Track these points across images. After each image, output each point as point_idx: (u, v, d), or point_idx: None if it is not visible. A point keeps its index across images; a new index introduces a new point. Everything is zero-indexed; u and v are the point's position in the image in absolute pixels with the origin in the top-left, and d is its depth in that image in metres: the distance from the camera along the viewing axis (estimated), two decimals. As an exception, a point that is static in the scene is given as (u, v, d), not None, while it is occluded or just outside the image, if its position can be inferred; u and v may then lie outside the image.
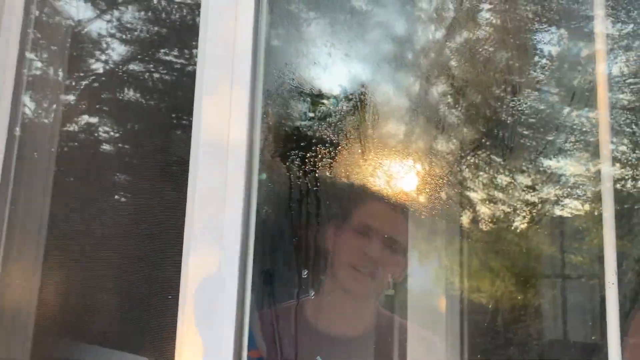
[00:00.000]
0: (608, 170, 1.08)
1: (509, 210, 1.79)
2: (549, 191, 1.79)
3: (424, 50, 1.49)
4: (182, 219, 0.93)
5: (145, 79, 1.58)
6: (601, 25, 1.18)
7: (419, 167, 1.38)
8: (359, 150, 1.22)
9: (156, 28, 1.66)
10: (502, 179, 1.74)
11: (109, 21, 1.59)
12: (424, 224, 1.50)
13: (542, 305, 1.95)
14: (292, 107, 1.23)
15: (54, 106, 1.41)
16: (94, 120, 1.48)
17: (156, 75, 1.58)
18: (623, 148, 1.56)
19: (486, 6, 1.59)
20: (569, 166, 1.75)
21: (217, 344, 0.86)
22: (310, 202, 1.20)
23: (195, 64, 0.98)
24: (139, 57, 1.64)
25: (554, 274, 1.97)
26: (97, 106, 1.51)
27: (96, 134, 1.47)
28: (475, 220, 1.80)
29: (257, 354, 1.25)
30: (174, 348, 0.88)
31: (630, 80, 1.50)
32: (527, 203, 1.79)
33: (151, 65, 1.61)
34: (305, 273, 1.23)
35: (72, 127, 1.44)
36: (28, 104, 1.31)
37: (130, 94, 1.51)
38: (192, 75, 0.98)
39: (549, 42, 1.60)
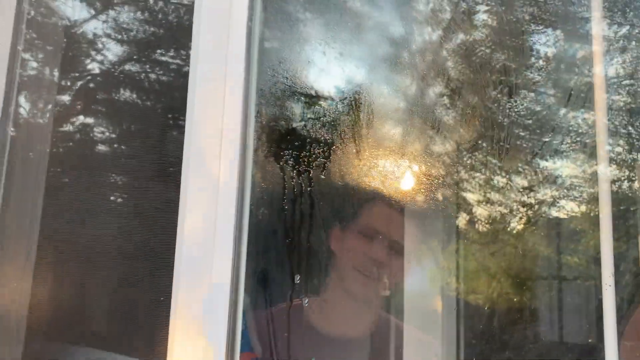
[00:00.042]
0: (605, 171, 1.08)
1: (505, 211, 1.79)
2: (546, 192, 1.79)
3: (419, 51, 1.49)
4: (175, 219, 0.92)
5: (141, 79, 1.57)
6: (598, 27, 1.18)
7: (415, 168, 1.38)
8: (354, 151, 1.22)
9: (152, 28, 1.65)
10: (499, 180, 1.74)
11: (104, 21, 1.58)
12: (420, 225, 1.50)
13: (538, 307, 1.95)
14: (286, 107, 1.22)
15: (49, 106, 1.41)
16: (87, 120, 1.48)
17: (152, 75, 1.58)
18: (619, 149, 1.56)
19: (483, 7, 1.59)
20: (565, 167, 1.75)
21: (209, 345, 0.86)
22: (304, 202, 1.20)
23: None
24: (134, 57, 1.63)
25: (550, 275, 1.97)
26: (91, 106, 1.51)
27: (90, 134, 1.46)
28: (471, 222, 1.79)
29: (252, 356, 1.24)
30: (166, 350, 0.87)
31: (626, 81, 1.50)
32: (524, 204, 1.79)
33: (147, 66, 1.61)
34: (298, 278, 1.23)
35: (66, 127, 1.44)
36: (22, 104, 1.30)
37: (124, 94, 1.50)
38: (188, 75, 0.97)
39: (545, 43, 1.60)
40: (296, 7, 1.29)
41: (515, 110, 1.58)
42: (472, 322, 1.73)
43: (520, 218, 1.80)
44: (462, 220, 1.77)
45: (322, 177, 1.18)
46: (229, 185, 0.89)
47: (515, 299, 1.90)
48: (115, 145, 1.46)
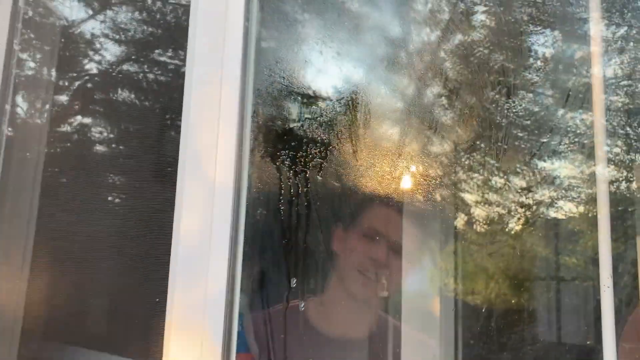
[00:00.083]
0: (603, 172, 1.07)
1: (503, 212, 1.79)
2: (544, 193, 1.79)
3: (417, 51, 1.48)
4: (171, 221, 0.92)
5: (139, 79, 1.57)
6: (596, 28, 1.18)
7: (413, 169, 1.38)
8: (351, 151, 1.21)
9: (149, 29, 1.65)
10: (497, 181, 1.74)
11: (102, 21, 1.58)
12: (419, 226, 1.50)
13: (536, 307, 1.95)
14: (283, 107, 1.22)
15: (45, 106, 1.41)
16: (84, 120, 1.47)
17: (149, 75, 1.58)
18: (617, 150, 1.56)
19: (481, 8, 1.59)
20: (563, 168, 1.75)
21: (205, 346, 0.85)
22: (301, 203, 1.19)
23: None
24: (132, 57, 1.63)
25: (548, 276, 1.97)
26: (88, 106, 1.50)
27: (87, 134, 1.46)
28: (469, 222, 1.79)
29: (249, 357, 1.24)
30: (162, 350, 0.87)
31: (624, 82, 1.50)
32: (522, 205, 1.78)
33: (145, 66, 1.60)
34: (294, 282, 1.23)
35: (63, 127, 1.43)
36: (18, 103, 1.30)
37: (121, 94, 1.50)
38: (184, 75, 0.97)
39: (543, 44, 1.60)
40: (293, 6, 1.28)
41: (514, 110, 1.58)
42: (470, 322, 1.72)
43: (519, 219, 1.80)
44: (460, 221, 1.77)
45: (319, 177, 1.18)
46: (225, 185, 0.89)
47: (513, 300, 1.90)
48: (113, 146, 1.45)
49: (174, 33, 1.56)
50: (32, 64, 1.44)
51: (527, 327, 1.87)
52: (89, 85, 1.52)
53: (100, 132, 1.47)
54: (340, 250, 1.33)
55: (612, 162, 1.55)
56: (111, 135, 1.45)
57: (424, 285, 1.58)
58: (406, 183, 1.39)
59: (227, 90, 0.91)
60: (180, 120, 0.96)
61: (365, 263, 1.32)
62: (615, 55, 1.47)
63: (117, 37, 1.57)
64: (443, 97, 1.51)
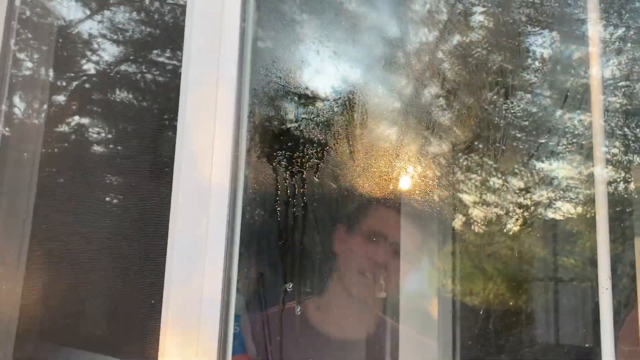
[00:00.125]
0: (601, 173, 1.07)
1: (501, 212, 1.79)
2: (542, 194, 1.79)
3: (415, 52, 1.48)
4: (167, 221, 0.92)
5: (136, 79, 1.57)
6: (594, 29, 1.18)
7: (411, 169, 1.38)
8: (348, 151, 1.21)
9: (147, 29, 1.65)
10: (495, 181, 1.74)
11: (99, 21, 1.58)
12: (417, 227, 1.50)
13: (534, 308, 1.95)
14: (279, 107, 1.22)
15: (42, 106, 1.40)
16: (80, 120, 1.47)
17: (147, 76, 1.58)
18: (614, 151, 1.56)
19: (479, 9, 1.59)
20: (561, 169, 1.75)
21: (201, 347, 0.85)
22: (298, 203, 1.19)
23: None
24: (130, 58, 1.63)
25: (546, 277, 1.97)
26: (85, 106, 1.50)
27: (84, 135, 1.45)
28: (467, 223, 1.79)
29: (247, 358, 1.24)
30: (157, 351, 0.87)
31: (622, 83, 1.50)
32: (520, 205, 1.78)
33: (143, 66, 1.60)
34: (291, 286, 1.22)
35: (59, 127, 1.43)
36: (14, 103, 1.29)
37: (119, 94, 1.50)
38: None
39: (541, 44, 1.60)
40: (290, 6, 1.28)
41: (512, 111, 1.58)
42: (469, 323, 1.72)
43: (517, 219, 1.80)
44: (458, 221, 1.77)
45: (316, 179, 1.17)
46: (221, 186, 0.89)
47: (511, 300, 1.90)
48: (109, 146, 1.45)
49: (172, 33, 1.55)
50: (29, 64, 1.43)
51: (525, 328, 1.87)
52: (86, 85, 1.52)
53: (97, 133, 1.47)
54: (340, 251, 1.33)
55: (610, 163, 1.55)
56: (108, 136, 1.45)
57: (422, 286, 1.58)
58: (404, 184, 1.38)
59: (223, 90, 0.91)
60: (177, 121, 0.96)
61: (363, 264, 1.32)
62: (613, 56, 1.47)
63: (115, 37, 1.57)
64: (441, 98, 1.51)
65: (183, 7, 1.01)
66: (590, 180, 1.67)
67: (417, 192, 1.38)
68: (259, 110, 1.11)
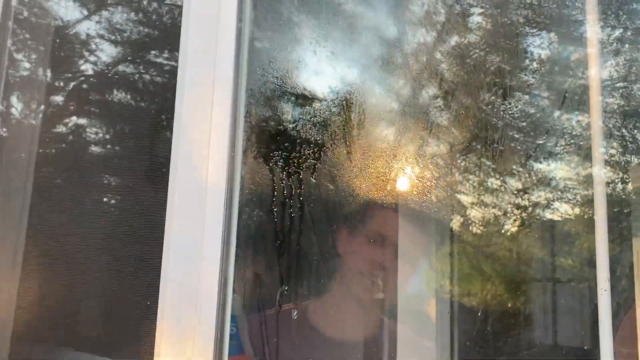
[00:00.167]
0: (600, 173, 1.07)
1: (499, 213, 1.79)
2: (540, 194, 1.79)
3: (413, 52, 1.48)
4: (163, 222, 0.91)
5: (135, 80, 1.57)
6: (593, 30, 1.18)
7: (409, 170, 1.37)
8: (346, 152, 1.21)
9: (145, 29, 1.65)
10: (493, 182, 1.74)
11: (97, 22, 1.58)
12: (414, 227, 1.49)
13: (532, 309, 1.95)
14: (276, 107, 1.21)
15: (38, 106, 1.40)
16: (77, 120, 1.47)
17: (145, 76, 1.57)
18: (612, 151, 1.56)
19: (477, 10, 1.59)
20: (559, 170, 1.75)
21: (197, 349, 0.85)
22: (294, 204, 1.19)
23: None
24: (128, 58, 1.62)
25: (544, 278, 1.97)
26: (82, 107, 1.50)
27: (81, 135, 1.45)
28: (465, 224, 1.79)
29: (244, 359, 1.24)
30: (153, 353, 0.86)
31: (620, 84, 1.50)
32: (518, 206, 1.78)
33: (141, 67, 1.60)
34: (286, 289, 1.22)
35: (55, 128, 1.43)
36: (11, 103, 1.29)
37: (115, 95, 1.50)
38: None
39: (539, 45, 1.60)
40: (287, 6, 1.28)
41: (510, 112, 1.58)
42: (467, 324, 1.72)
43: (515, 220, 1.80)
44: (456, 222, 1.77)
45: (313, 179, 1.17)
46: (217, 186, 0.88)
47: (508, 301, 1.90)
48: (107, 147, 1.45)
49: (169, 34, 1.55)
50: (26, 64, 1.43)
51: (523, 329, 1.87)
52: (83, 85, 1.52)
53: (94, 133, 1.46)
54: (337, 252, 1.33)
55: (608, 164, 1.55)
56: (104, 136, 1.44)
57: (420, 287, 1.58)
58: (402, 185, 1.38)
59: (220, 90, 0.91)
60: (174, 121, 0.96)
61: (361, 265, 1.32)
62: (611, 57, 1.47)
63: (112, 37, 1.56)
64: (439, 98, 1.51)
65: (181, 8, 1.00)
66: (587, 181, 1.67)
67: (415, 193, 1.38)
68: (256, 111, 1.11)
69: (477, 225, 1.79)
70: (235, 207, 0.90)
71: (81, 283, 1.16)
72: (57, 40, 1.48)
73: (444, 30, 1.53)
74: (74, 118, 1.46)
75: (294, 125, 1.24)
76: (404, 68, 1.42)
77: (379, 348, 1.37)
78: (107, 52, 1.56)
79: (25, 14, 1.45)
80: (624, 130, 1.55)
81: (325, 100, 1.29)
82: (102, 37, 1.55)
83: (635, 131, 1.56)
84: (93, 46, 1.53)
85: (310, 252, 1.29)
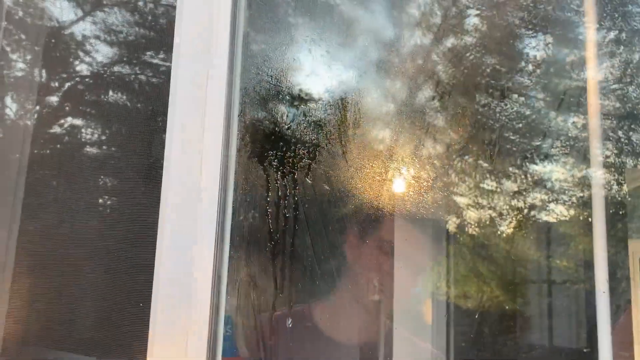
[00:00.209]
0: (598, 175, 1.07)
1: (495, 215, 1.78)
2: (536, 196, 1.79)
3: (409, 53, 1.48)
4: (156, 222, 0.91)
5: (129, 80, 1.56)
6: (591, 32, 1.18)
7: (405, 172, 1.37)
8: (341, 152, 1.21)
9: (141, 30, 1.64)
10: (489, 184, 1.73)
11: (92, 22, 1.57)
12: (411, 229, 1.49)
13: (528, 310, 1.95)
14: (270, 106, 1.21)
15: (30, 107, 1.39)
16: (70, 121, 1.46)
17: (141, 77, 1.57)
18: (607, 153, 1.56)
19: (473, 12, 1.59)
20: (555, 171, 1.75)
21: (190, 350, 0.84)
22: (289, 205, 1.18)
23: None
24: (124, 59, 1.62)
25: (540, 279, 1.97)
26: (76, 107, 1.49)
27: (75, 136, 1.45)
28: (461, 225, 1.79)
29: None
30: (146, 353, 0.86)
31: (616, 86, 1.50)
32: (514, 208, 1.78)
33: (137, 68, 1.59)
34: (285, 285, 1.21)
35: (47, 129, 1.42)
36: (4, 104, 1.28)
37: (110, 95, 1.49)
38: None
39: (535, 47, 1.60)
40: (283, 5, 1.27)
41: (506, 114, 1.58)
42: (463, 326, 1.72)
43: (511, 222, 1.80)
44: (452, 224, 1.76)
45: (308, 180, 1.17)
46: (211, 186, 0.88)
47: (504, 302, 1.89)
48: (101, 147, 1.44)
49: (165, 35, 1.55)
50: (20, 65, 1.43)
51: (519, 330, 1.87)
52: (78, 86, 1.51)
53: (87, 134, 1.46)
54: (333, 253, 1.33)
55: (604, 166, 1.55)
56: (98, 137, 1.44)
57: (417, 289, 1.58)
58: (398, 186, 1.38)
59: (213, 90, 0.90)
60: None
61: (357, 267, 1.32)
62: (607, 59, 1.47)
63: (107, 38, 1.56)
64: (435, 100, 1.51)
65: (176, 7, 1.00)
66: (583, 182, 1.67)
67: (411, 194, 1.38)
68: (250, 110, 1.11)
69: (473, 226, 1.79)
70: (229, 207, 0.89)
71: (74, 284, 1.15)
72: (52, 41, 1.47)
73: (440, 32, 1.53)
74: (68, 119, 1.46)
75: (288, 125, 1.24)
76: (400, 69, 1.42)
77: (375, 350, 1.36)
78: (102, 52, 1.56)
79: (20, 14, 1.45)
80: (619, 132, 1.55)
81: (321, 100, 1.28)
82: (97, 37, 1.55)
83: (631, 133, 1.56)
84: (88, 47, 1.53)
85: (304, 254, 1.29)
